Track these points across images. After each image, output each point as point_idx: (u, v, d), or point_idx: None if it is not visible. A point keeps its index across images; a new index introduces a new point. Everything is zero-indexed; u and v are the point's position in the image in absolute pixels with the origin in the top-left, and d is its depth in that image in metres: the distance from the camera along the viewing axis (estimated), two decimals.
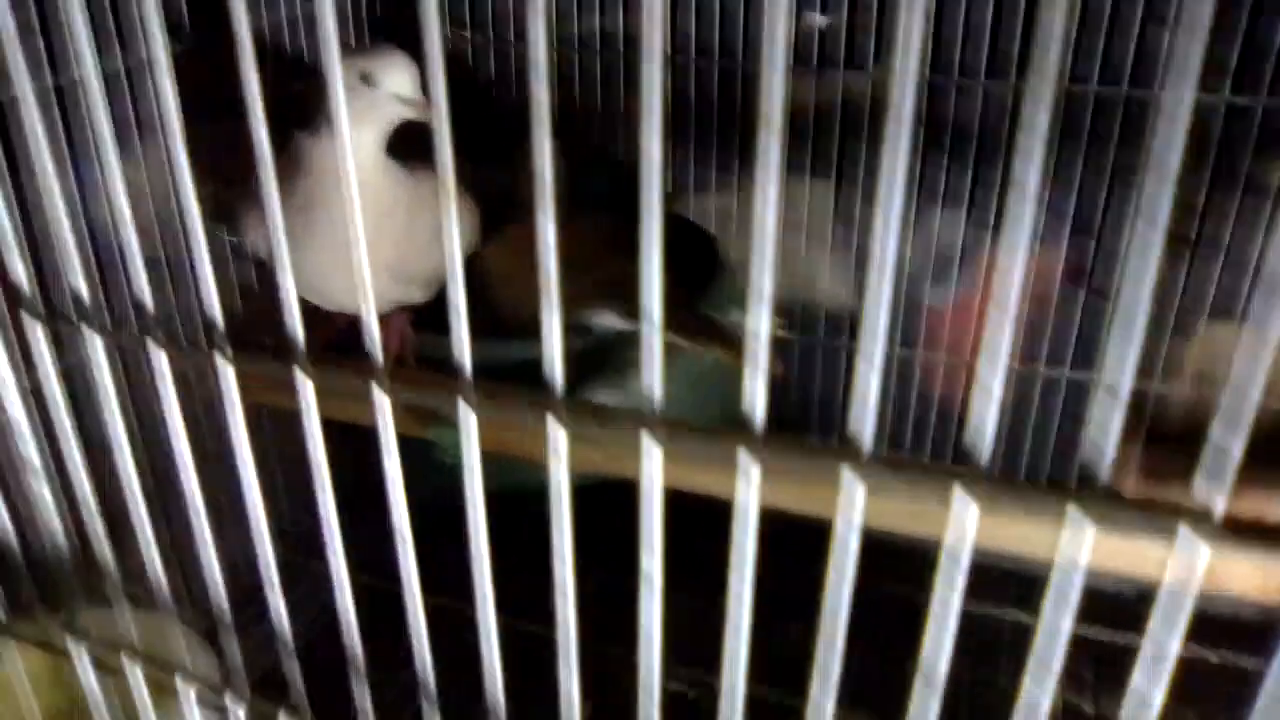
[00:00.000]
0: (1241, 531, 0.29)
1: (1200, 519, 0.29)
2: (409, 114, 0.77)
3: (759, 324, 0.33)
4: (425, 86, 0.80)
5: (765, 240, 0.31)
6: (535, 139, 0.33)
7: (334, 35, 0.35)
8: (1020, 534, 0.72)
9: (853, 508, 0.34)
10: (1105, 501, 0.30)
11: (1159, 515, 0.29)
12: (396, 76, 0.75)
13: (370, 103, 0.75)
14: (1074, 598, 0.33)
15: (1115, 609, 1.09)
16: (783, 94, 0.30)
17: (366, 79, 0.74)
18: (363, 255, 0.38)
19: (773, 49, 0.29)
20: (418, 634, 0.42)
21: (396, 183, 0.80)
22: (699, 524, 0.51)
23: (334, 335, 0.90)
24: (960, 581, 0.34)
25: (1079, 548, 0.31)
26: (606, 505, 0.58)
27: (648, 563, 0.37)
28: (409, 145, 0.80)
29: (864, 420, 0.33)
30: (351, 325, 0.89)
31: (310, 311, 0.74)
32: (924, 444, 1.17)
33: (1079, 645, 0.36)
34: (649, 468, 0.35)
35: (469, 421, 0.37)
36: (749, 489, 0.34)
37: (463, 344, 0.37)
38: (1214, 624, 1.02)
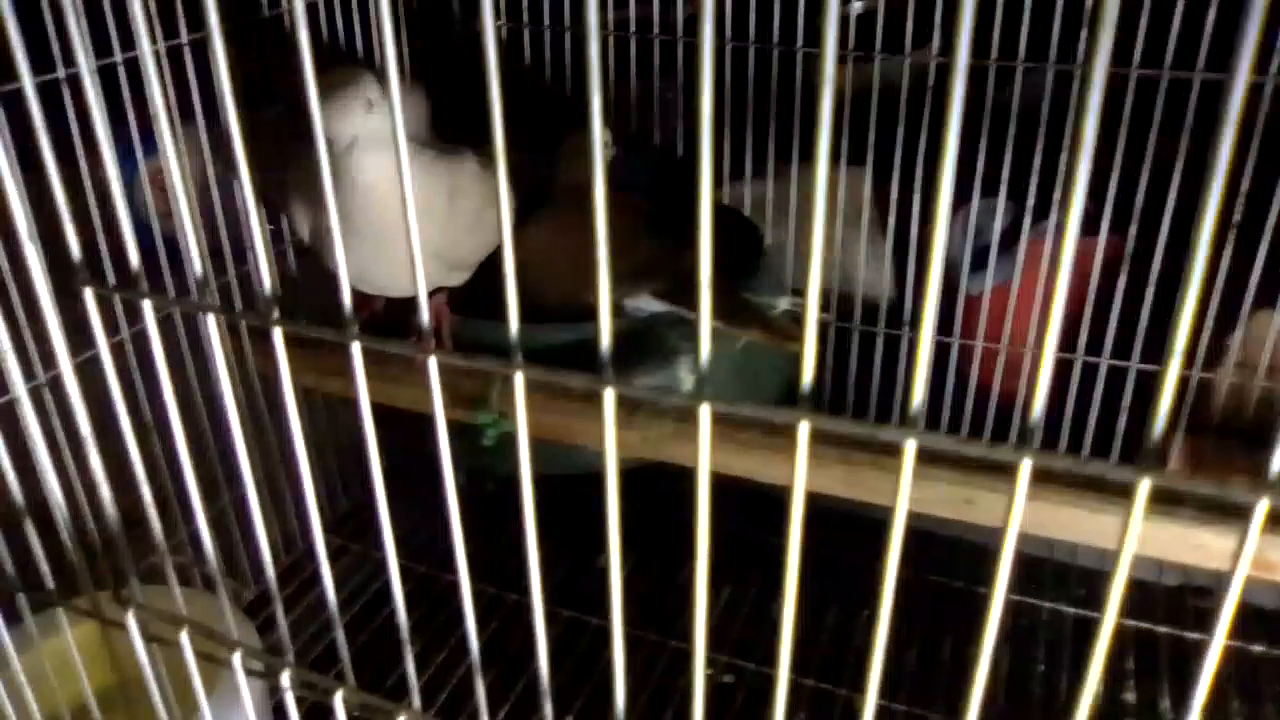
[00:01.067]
0: None
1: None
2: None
3: (812, 298, 0.33)
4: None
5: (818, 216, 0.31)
6: (590, 118, 0.33)
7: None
8: (1080, 517, 0.71)
9: (906, 480, 0.33)
10: (1174, 477, 0.30)
11: (1235, 490, 0.28)
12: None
13: (383, 121, 0.75)
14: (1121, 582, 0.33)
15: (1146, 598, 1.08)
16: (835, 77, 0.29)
17: (372, 104, 0.74)
18: (415, 246, 0.38)
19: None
20: (467, 610, 0.43)
21: (433, 174, 0.80)
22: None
23: (371, 317, 0.91)
24: (1010, 562, 0.34)
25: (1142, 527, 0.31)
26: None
27: (699, 541, 0.37)
28: (450, 128, 0.81)
29: (920, 399, 0.33)
30: (387, 307, 0.90)
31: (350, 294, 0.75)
32: (959, 429, 1.16)
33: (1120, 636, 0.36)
34: (702, 436, 0.35)
35: (520, 389, 0.37)
36: (801, 459, 0.34)
37: (513, 320, 0.37)
38: (1259, 616, 1.02)
